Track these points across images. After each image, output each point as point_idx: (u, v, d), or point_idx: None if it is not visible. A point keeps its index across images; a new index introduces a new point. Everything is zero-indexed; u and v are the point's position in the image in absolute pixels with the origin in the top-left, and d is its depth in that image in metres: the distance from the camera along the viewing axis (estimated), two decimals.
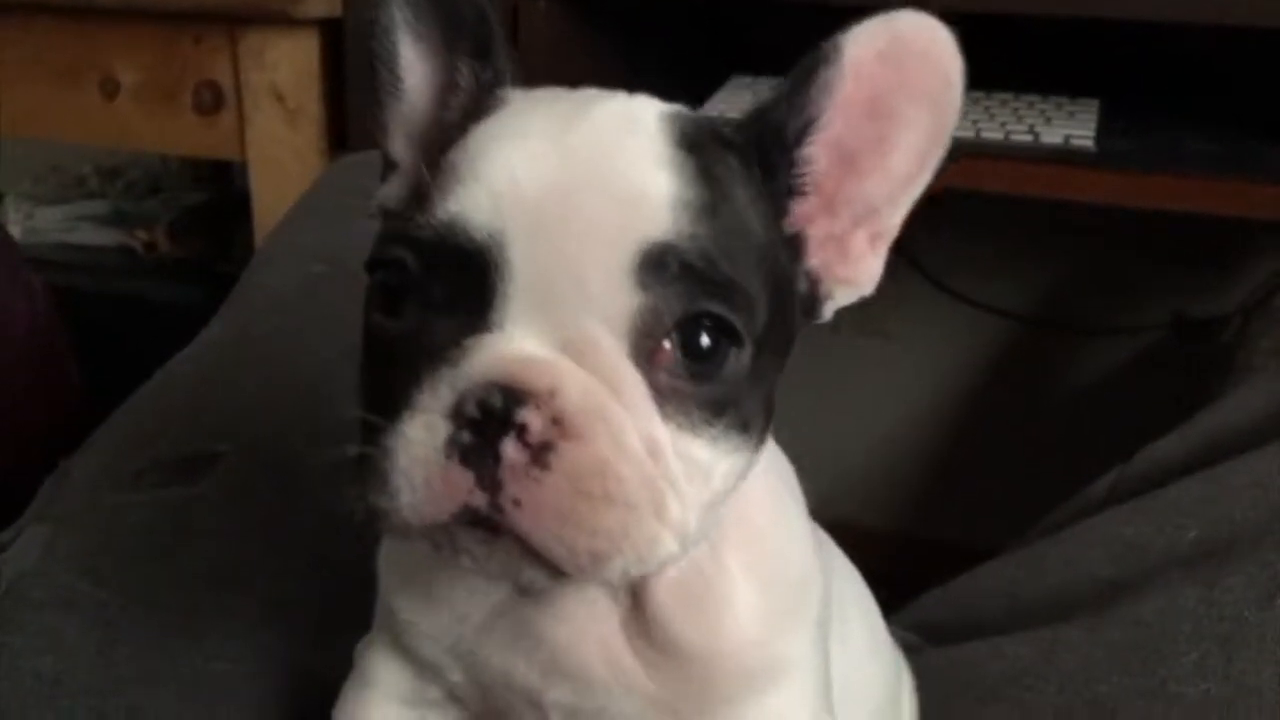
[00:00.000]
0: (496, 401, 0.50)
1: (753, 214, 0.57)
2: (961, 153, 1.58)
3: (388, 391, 0.53)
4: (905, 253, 2.14)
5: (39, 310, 1.17)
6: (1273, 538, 0.88)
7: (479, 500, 0.50)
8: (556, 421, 0.50)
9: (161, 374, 1.11)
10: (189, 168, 2.37)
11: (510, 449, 0.49)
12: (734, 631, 0.64)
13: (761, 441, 0.58)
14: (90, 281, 2.08)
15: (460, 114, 0.60)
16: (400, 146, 0.64)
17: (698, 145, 0.55)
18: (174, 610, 0.87)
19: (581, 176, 0.52)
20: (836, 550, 0.81)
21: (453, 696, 0.70)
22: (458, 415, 0.50)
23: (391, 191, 0.63)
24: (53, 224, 2.23)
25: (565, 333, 0.51)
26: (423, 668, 0.69)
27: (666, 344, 0.52)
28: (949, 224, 2.08)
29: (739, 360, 0.54)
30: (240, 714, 0.82)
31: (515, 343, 0.51)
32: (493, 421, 0.50)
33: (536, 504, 0.50)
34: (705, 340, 0.53)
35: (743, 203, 0.56)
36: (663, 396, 0.53)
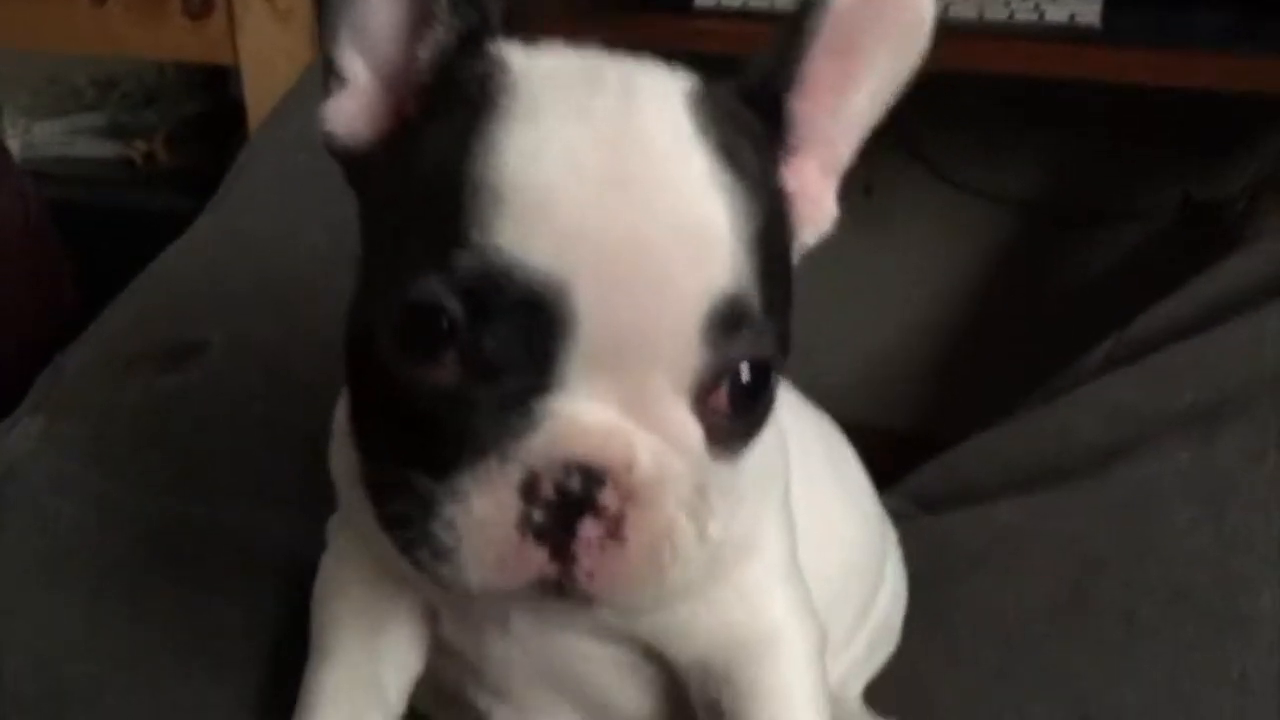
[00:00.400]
0: (575, 485, 0.49)
1: (775, 204, 0.56)
2: (963, 33, 1.57)
3: (422, 445, 0.50)
4: (906, 143, 2.13)
5: (32, 212, 1.17)
6: (1266, 396, 0.88)
7: (551, 571, 0.50)
8: (630, 496, 0.49)
9: (152, 267, 1.12)
10: (184, 77, 2.34)
11: (590, 529, 0.49)
12: None
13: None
14: (90, 194, 2.08)
15: (436, 59, 0.56)
16: (352, 62, 0.58)
17: (726, 139, 0.52)
18: (167, 493, 0.88)
19: (649, 213, 0.49)
20: (798, 399, 0.81)
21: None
22: (530, 494, 0.49)
23: (340, 117, 0.58)
24: (51, 138, 2.22)
25: (631, 390, 0.50)
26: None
27: (720, 388, 0.52)
28: (950, 111, 2.05)
29: (774, 383, 0.54)
30: (233, 590, 0.83)
31: (583, 408, 0.49)
32: (570, 503, 0.49)
33: (610, 574, 0.50)
34: (749, 374, 0.52)
35: (768, 197, 0.54)
36: (712, 437, 0.52)
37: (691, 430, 0.51)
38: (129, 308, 1.07)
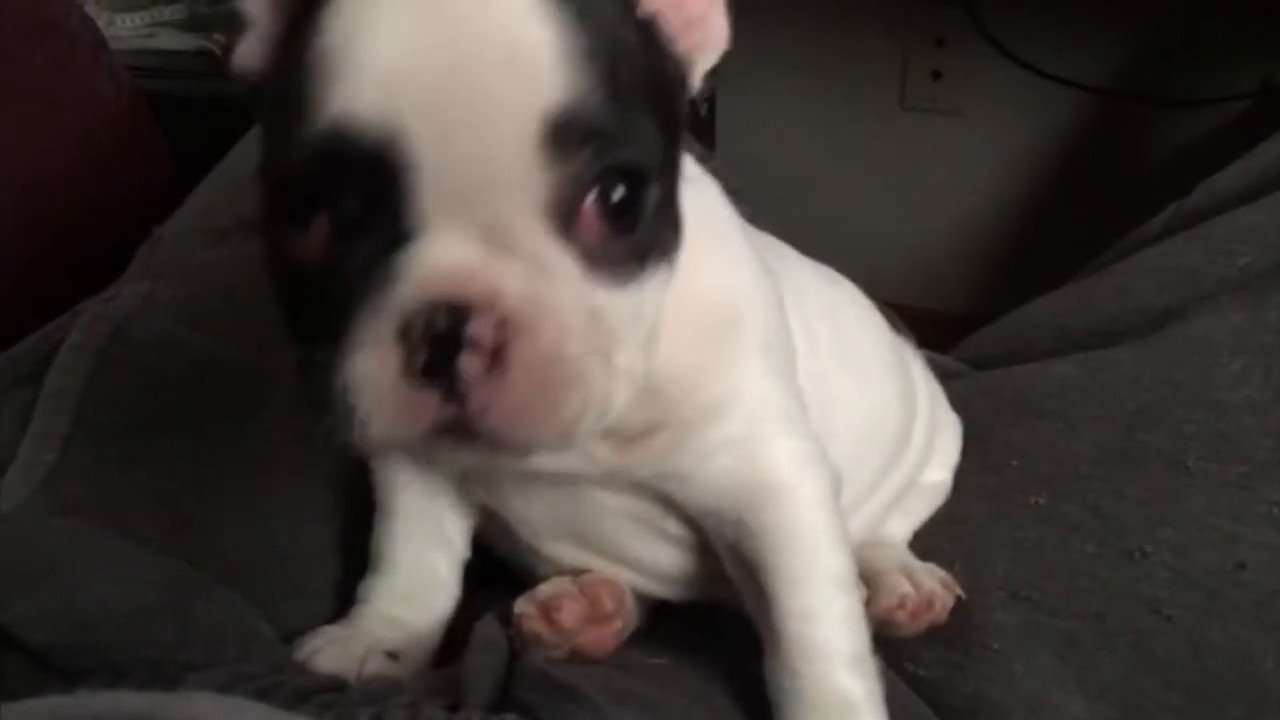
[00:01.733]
0: (442, 323, 0.50)
1: (624, 26, 0.55)
2: None
3: (318, 318, 0.52)
4: (977, 25, 2.10)
5: (122, 88, 1.21)
6: None
7: (448, 413, 0.51)
8: (503, 324, 0.50)
9: (239, 147, 1.16)
10: None
11: (467, 362, 0.50)
12: (674, 383, 0.66)
13: (676, 254, 0.58)
14: (172, 85, 2.12)
15: None
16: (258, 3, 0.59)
17: None
18: (264, 350, 0.93)
19: (467, 46, 0.49)
20: (806, 265, 0.84)
21: None
22: (406, 339, 0.50)
23: (245, 54, 0.59)
24: (132, 30, 2.26)
25: (486, 222, 0.50)
26: None
27: (584, 205, 0.52)
28: None
29: (651, 197, 0.54)
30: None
31: (440, 249, 0.50)
32: (443, 341, 0.50)
33: (503, 405, 0.51)
34: (621, 192, 0.52)
35: (615, 19, 0.54)
36: (591, 260, 0.53)
37: (558, 256, 0.51)
38: (222, 181, 1.13)
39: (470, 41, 0.49)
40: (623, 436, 0.68)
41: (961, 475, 0.92)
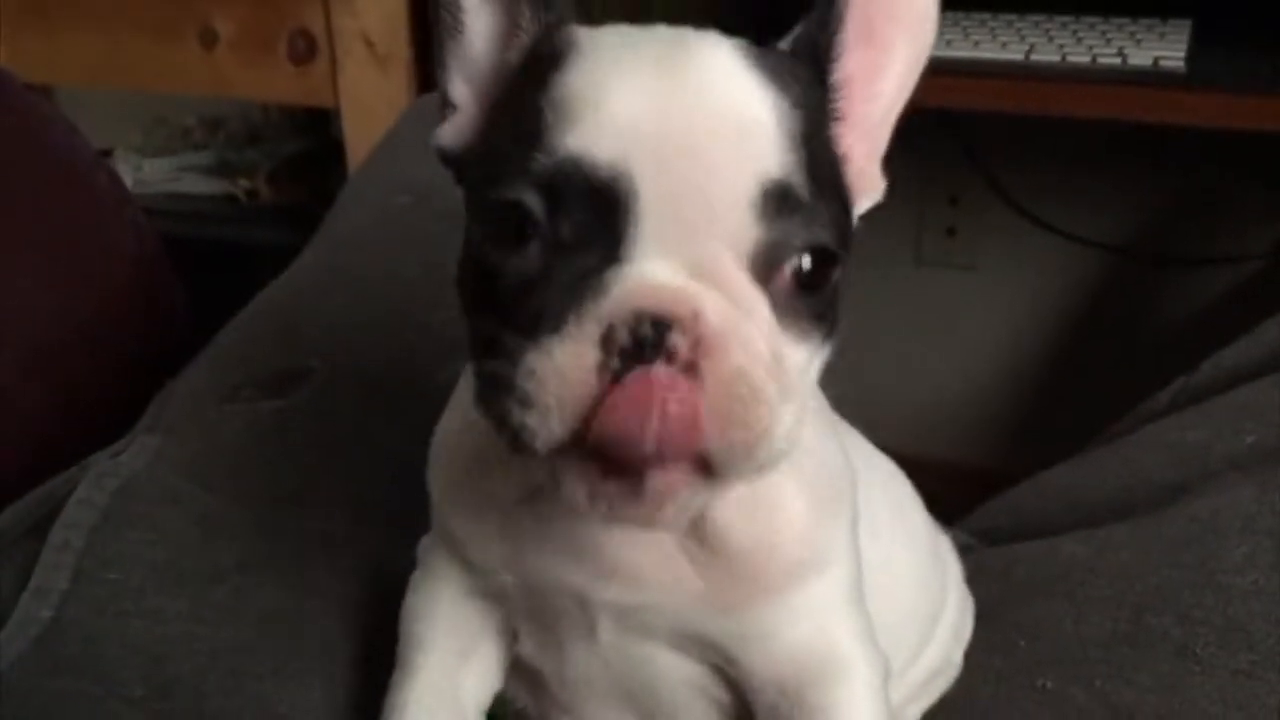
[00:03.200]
0: (647, 330, 0.52)
1: (824, 140, 0.62)
2: (1046, 77, 1.58)
3: (517, 314, 0.55)
4: (991, 183, 2.14)
5: (145, 242, 1.24)
6: None
7: None
8: (699, 343, 0.53)
9: (257, 300, 1.19)
10: (288, 117, 2.44)
11: (661, 370, 0.53)
12: (786, 528, 0.68)
13: (831, 345, 0.63)
14: (197, 229, 2.18)
15: (522, 56, 0.63)
16: (459, 88, 0.66)
17: (779, 78, 0.58)
18: (270, 509, 0.93)
19: (697, 110, 0.55)
20: (869, 446, 0.85)
21: (503, 593, 0.75)
22: (607, 344, 0.53)
23: (449, 133, 0.66)
24: (160, 175, 2.33)
25: (695, 260, 0.54)
26: (473, 567, 0.74)
27: (784, 270, 0.57)
28: (1036, 152, 2.07)
29: (837, 278, 0.59)
30: (332, 600, 0.89)
31: (651, 272, 0.54)
32: (643, 348, 0.53)
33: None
34: (812, 265, 0.57)
35: (816, 128, 0.60)
36: (780, 313, 0.57)
37: (755, 295, 0.56)
38: (236, 336, 1.15)
39: (703, 106, 0.55)
40: (724, 562, 0.68)
41: (969, 655, 0.91)
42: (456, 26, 0.65)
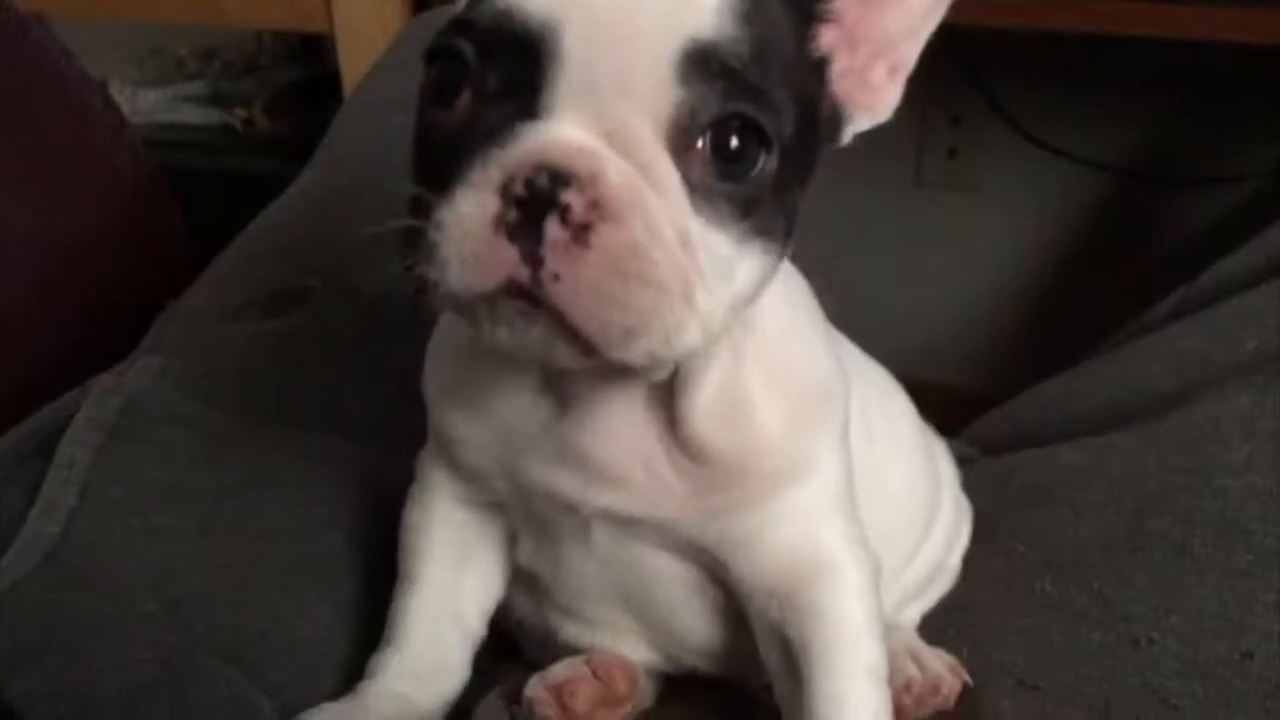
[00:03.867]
0: (543, 182, 0.53)
1: (785, 30, 0.60)
2: None
3: (440, 174, 0.56)
4: (993, 103, 2.12)
5: (142, 166, 1.24)
6: None
7: (522, 274, 0.54)
8: (596, 205, 0.53)
9: (256, 222, 1.19)
10: (283, 46, 2.42)
11: (553, 227, 0.53)
12: (760, 435, 0.69)
13: (782, 253, 0.62)
14: (194, 159, 2.16)
15: None
16: None
17: None
18: (274, 425, 0.94)
19: None
20: (865, 359, 0.85)
21: (501, 501, 0.77)
22: (506, 193, 0.54)
23: None
24: (156, 105, 2.31)
25: (608, 123, 0.55)
26: (470, 476, 0.76)
27: (700, 142, 0.56)
28: (1037, 72, 2.04)
29: (766, 164, 0.57)
30: (336, 513, 0.90)
31: (562, 129, 0.54)
32: (538, 201, 0.53)
33: (575, 279, 0.53)
34: (736, 141, 0.57)
35: (776, 17, 0.60)
36: (694, 190, 0.56)
37: (665, 167, 0.55)
38: (236, 258, 1.15)
39: None
40: (707, 471, 0.69)
41: (969, 560, 0.92)
42: None
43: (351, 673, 0.82)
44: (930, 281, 2.33)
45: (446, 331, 0.75)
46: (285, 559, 0.86)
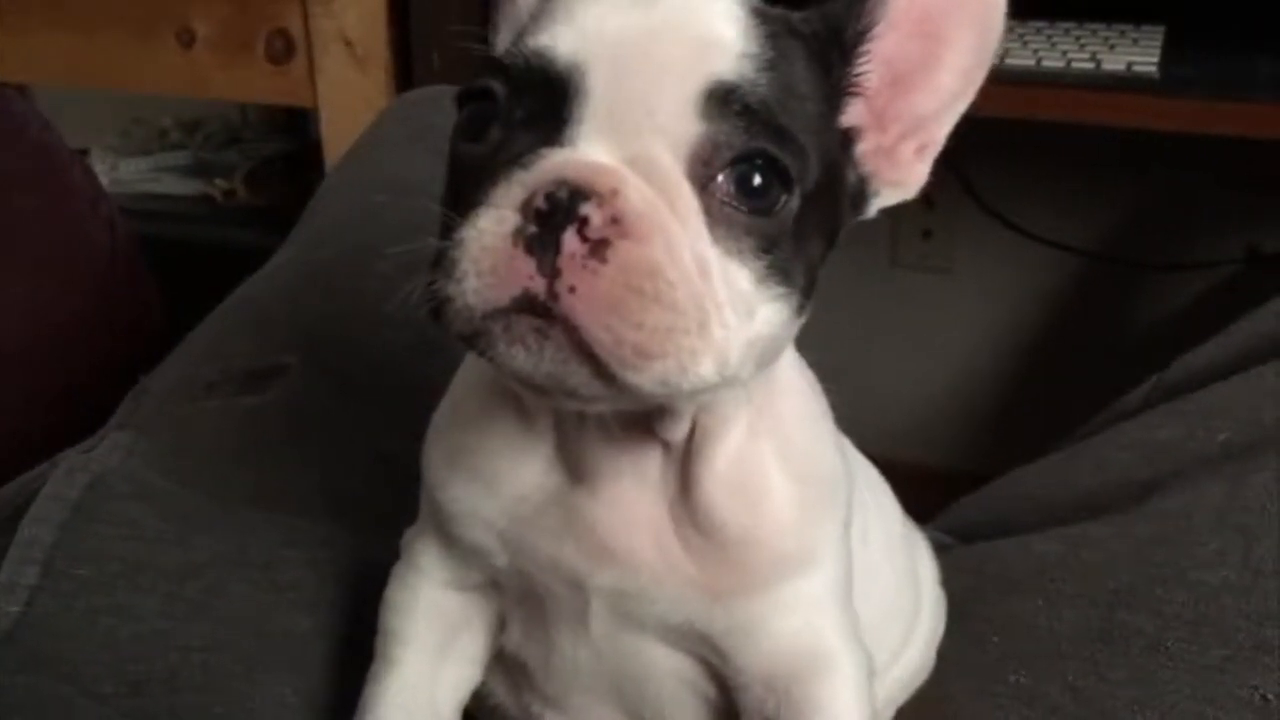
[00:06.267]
0: (563, 195, 0.54)
1: (810, 88, 0.61)
2: (1020, 81, 1.59)
3: (466, 199, 0.57)
4: (967, 186, 2.15)
5: (119, 239, 1.24)
6: None
7: (538, 285, 0.54)
8: (616, 220, 0.54)
9: (232, 297, 1.18)
10: (266, 118, 2.44)
11: (570, 240, 0.53)
12: (772, 517, 0.69)
13: (801, 306, 0.62)
14: (173, 229, 2.16)
15: None
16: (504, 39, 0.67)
17: (767, 19, 0.60)
18: (245, 505, 0.93)
19: (661, 23, 0.57)
20: (860, 457, 0.85)
21: (494, 582, 0.75)
22: (526, 209, 0.54)
23: (500, 40, 0.67)
24: (137, 175, 2.32)
25: (631, 151, 0.56)
26: (466, 554, 0.74)
27: (721, 176, 0.57)
28: (1012, 156, 2.07)
29: (788, 203, 0.58)
30: (305, 596, 0.88)
31: (584, 152, 0.56)
32: (557, 214, 0.54)
33: (590, 293, 0.53)
34: (758, 179, 0.57)
35: (802, 75, 0.61)
36: (714, 221, 0.57)
37: (685, 194, 0.56)
38: (211, 333, 1.14)
39: (669, 19, 0.58)
40: (716, 547, 0.68)
41: (942, 651, 0.91)
42: None
43: None
44: (903, 361, 2.34)
45: (456, 401, 0.74)
46: (252, 643, 0.85)
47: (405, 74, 1.83)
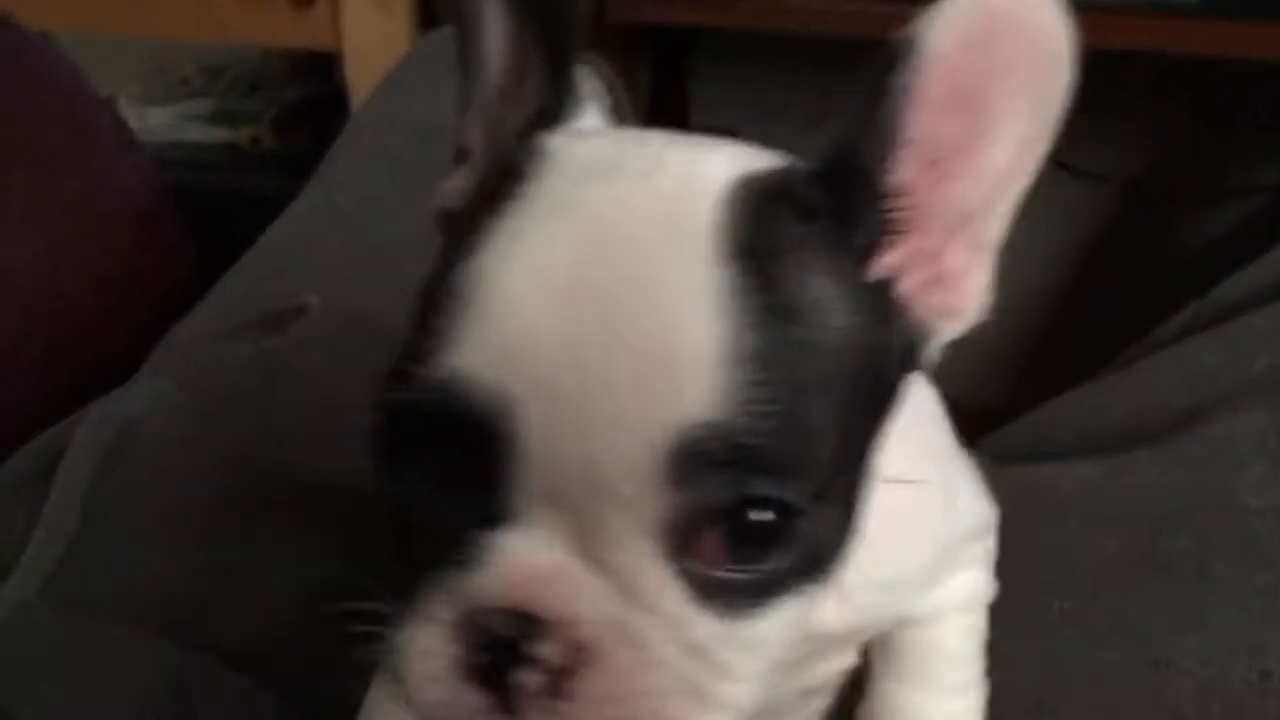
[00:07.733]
0: (509, 632, 0.44)
1: (831, 300, 0.47)
2: None
3: (396, 559, 0.48)
4: None
5: (151, 186, 1.24)
6: None
7: None
8: (577, 648, 0.44)
9: (258, 242, 1.19)
10: (289, 64, 2.42)
11: (526, 678, 0.44)
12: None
13: (833, 569, 0.50)
14: (199, 177, 2.16)
15: (517, 130, 0.51)
16: (474, 130, 0.54)
17: (767, 229, 0.45)
18: (274, 442, 0.93)
19: (613, 329, 0.42)
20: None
21: None
22: (468, 630, 0.45)
23: (456, 187, 0.54)
24: (162, 123, 2.31)
25: (584, 529, 0.44)
26: None
27: (704, 536, 0.45)
28: None
29: (800, 526, 0.45)
30: (342, 530, 0.88)
31: (526, 546, 0.45)
32: (506, 649, 0.45)
33: None
34: (755, 531, 0.45)
35: (817, 293, 0.46)
36: (702, 589, 0.45)
37: (659, 584, 0.45)
38: (237, 280, 1.15)
39: (619, 324, 0.42)
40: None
41: None
42: (477, 55, 0.52)
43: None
44: None
45: None
46: (293, 571, 0.85)
47: (429, 15, 1.81)
